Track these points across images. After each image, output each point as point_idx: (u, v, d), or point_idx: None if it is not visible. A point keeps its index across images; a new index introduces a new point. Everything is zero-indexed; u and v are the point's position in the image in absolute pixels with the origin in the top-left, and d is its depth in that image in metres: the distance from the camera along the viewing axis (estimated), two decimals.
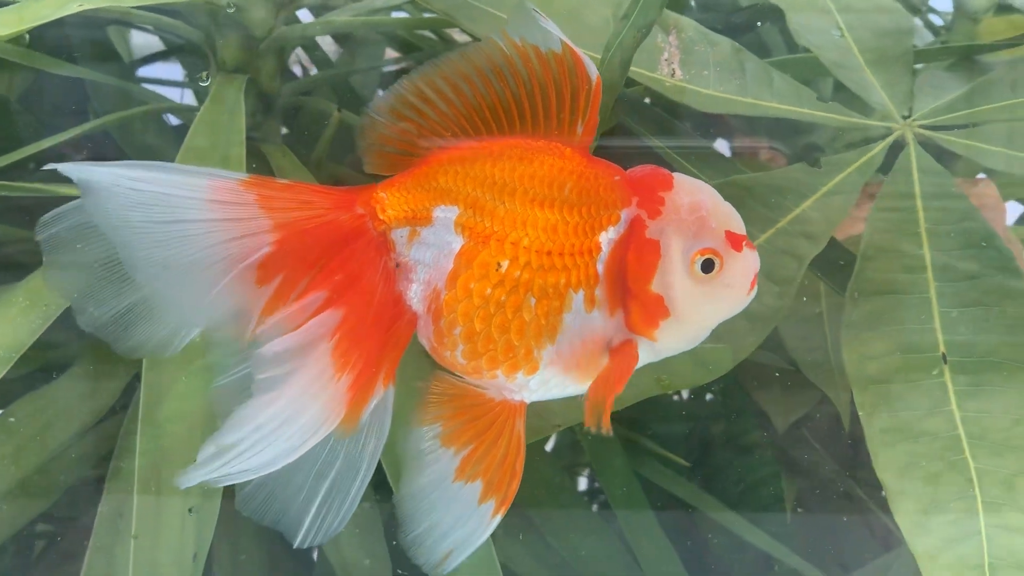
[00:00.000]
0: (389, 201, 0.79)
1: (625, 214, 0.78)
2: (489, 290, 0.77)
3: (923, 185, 1.02)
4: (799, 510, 1.34)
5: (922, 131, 1.06)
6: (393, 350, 0.79)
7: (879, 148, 1.04)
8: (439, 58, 0.77)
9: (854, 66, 1.12)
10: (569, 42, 0.74)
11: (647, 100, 1.20)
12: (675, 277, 0.77)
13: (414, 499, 0.78)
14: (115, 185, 0.72)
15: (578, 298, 0.78)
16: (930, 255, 0.99)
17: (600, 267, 0.78)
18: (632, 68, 1.06)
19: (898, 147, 1.07)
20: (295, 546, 0.78)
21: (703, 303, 0.78)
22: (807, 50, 1.14)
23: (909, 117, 1.08)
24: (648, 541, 1.19)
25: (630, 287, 0.78)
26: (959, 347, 0.95)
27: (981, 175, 1.30)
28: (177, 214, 0.73)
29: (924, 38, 1.54)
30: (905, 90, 1.09)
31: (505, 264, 0.77)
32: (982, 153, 1.02)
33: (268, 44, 1.23)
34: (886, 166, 1.06)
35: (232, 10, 1.17)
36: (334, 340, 0.75)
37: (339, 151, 1.28)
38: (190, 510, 0.90)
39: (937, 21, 1.54)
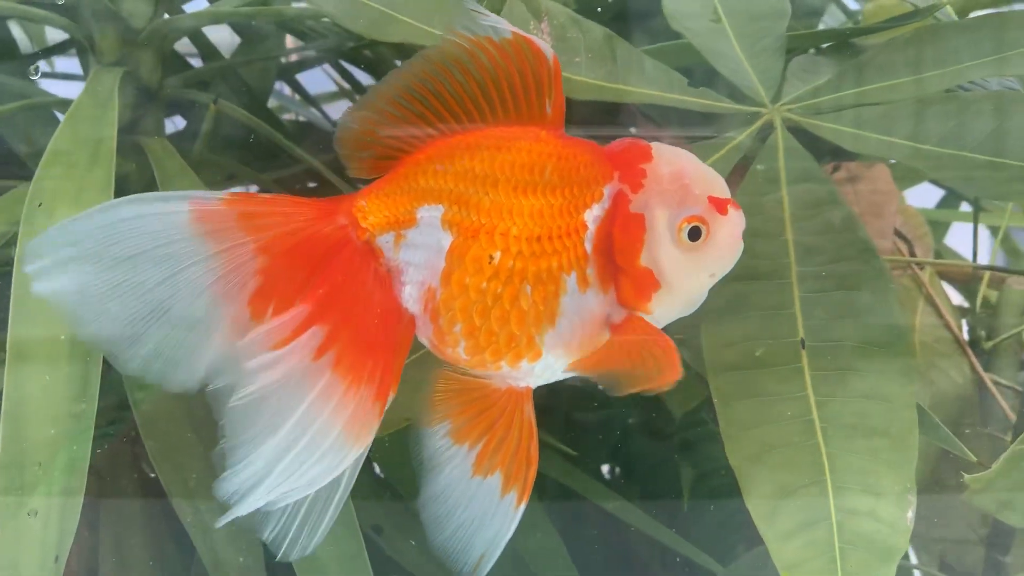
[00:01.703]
0: (370, 208, 0.79)
1: (608, 190, 0.78)
2: (485, 284, 0.77)
3: (789, 170, 1.02)
4: (695, 498, 1.34)
5: (790, 115, 1.05)
6: (397, 355, 0.79)
7: (745, 134, 1.04)
8: (402, 66, 0.77)
9: (728, 52, 1.11)
10: (517, 29, 0.75)
11: None
12: (663, 248, 0.77)
13: (436, 501, 0.78)
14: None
15: (571, 280, 0.78)
16: (793, 240, 0.99)
17: (588, 246, 0.78)
18: None
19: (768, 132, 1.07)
20: (278, 559, 0.78)
21: (693, 270, 0.78)
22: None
23: (778, 102, 1.07)
24: (534, 533, 1.18)
25: (618, 263, 0.78)
26: (816, 332, 0.95)
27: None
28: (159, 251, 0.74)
29: (838, 19, 1.54)
30: (776, 75, 1.08)
31: (497, 255, 0.77)
32: (847, 137, 1.01)
33: (148, 35, 1.21)
34: None
35: (110, 1, 1.16)
36: (330, 355, 0.74)
37: (221, 144, 1.28)
38: (28, 514, 0.88)
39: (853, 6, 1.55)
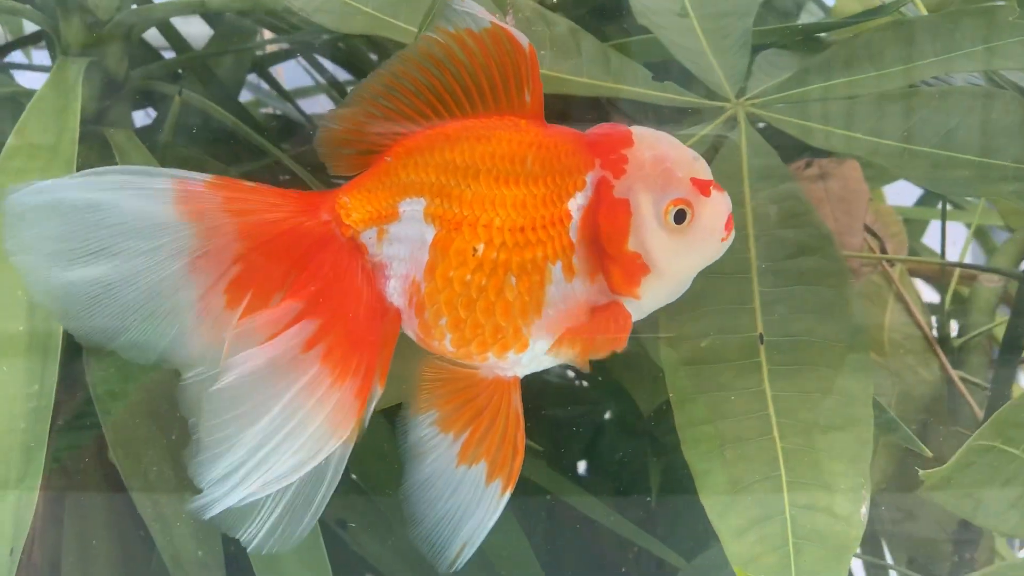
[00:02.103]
0: (352, 205, 0.79)
1: (590, 177, 0.78)
2: (469, 276, 0.77)
3: (751, 165, 1.02)
4: (664, 494, 1.33)
5: (754, 110, 1.05)
6: (383, 349, 0.78)
7: (709, 128, 1.04)
8: (381, 65, 0.78)
9: (694, 47, 1.11)
10: (495, 19, 0.75)
11: None
12: (650, 233, 0.77)
13: (420, 490, 0.78)
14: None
15: (556, 269, 0.77)
16: (754, 235, 0.98)
17: (574, 235, 0.78)
18: None
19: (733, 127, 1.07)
20: (250, 551, 0.77)
21: (681, 253, 0.78)
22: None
23: (743, 96, 1.07)
24: (497, 531, 1.18)
25: (606, 249, 0.78)
26: (775, 326, 0.95)
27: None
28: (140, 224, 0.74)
29: (816, 15, 1.53)
30: (741, 69, 1.08)
31: (481, 248, 0.77)
32: (811, 132, 1.01)
33: (114, 26, 1.21)
34: None
35: None
36: (320, 348, 0.75)
37: (190, 136, 1.27)
38: None
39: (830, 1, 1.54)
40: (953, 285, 1.43)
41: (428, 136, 0.79)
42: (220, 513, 0.75)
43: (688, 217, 0.77)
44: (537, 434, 1.22)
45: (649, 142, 0.79)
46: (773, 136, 1.05)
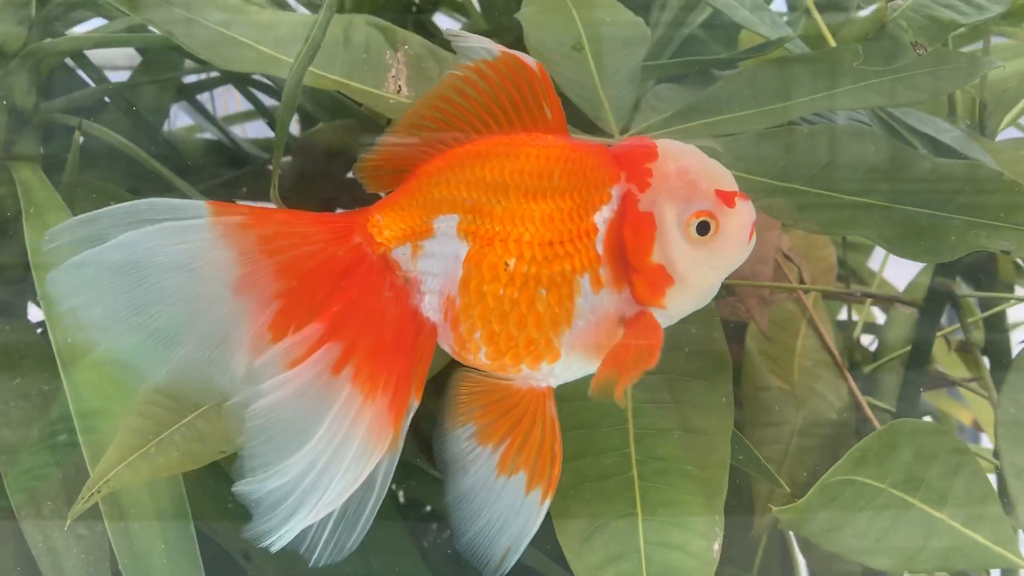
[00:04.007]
0: (386, 223, 0.81)
1: (616, 191, 0.80)
2: (502, 290, 0.79)
3: None
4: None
5: None
6: (419, 364, 0.81)
7: None
8: (408, 109, 0.82)
9: (587, 81, 1.12)
10: (502, 47, 0.79)
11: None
12: (674, 245, 0.79)
13: (462, 502, 0.80)
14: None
15: (584, 281, 0.80)
16: None
17: (600, 247, 0.80)
18: (360, 85, 1.07)
19: None
20: (311, 565, 0.79)
21: (705, 264, 0.80)
22: None
23: (626, 133, 1.08)
24: (395, 555, 1.19)
25: (631, 262, 0.80)
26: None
27: None
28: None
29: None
30: (628, 104, 1.09)
31: (513, 262, 0.79)
32: None
33: (20, 60, 1.22)
34: None
35: None
36: (349, 369, 0.77)
37: (105, 167, 1.29)
38: None
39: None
40: (864, 313, 1.43)
41: (459, 154, 0.82)
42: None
43: (712, 229, 0.79)
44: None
45: (674, 155, 0.81)
46: None
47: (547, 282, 0.80)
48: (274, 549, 0.76)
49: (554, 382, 0.84)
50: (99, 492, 0.85)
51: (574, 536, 0.89)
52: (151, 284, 0.76)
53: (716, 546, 0.88)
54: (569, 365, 0.83)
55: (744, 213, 0.80)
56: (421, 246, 0.81)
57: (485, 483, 0.80)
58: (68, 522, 0.87)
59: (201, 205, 0.77)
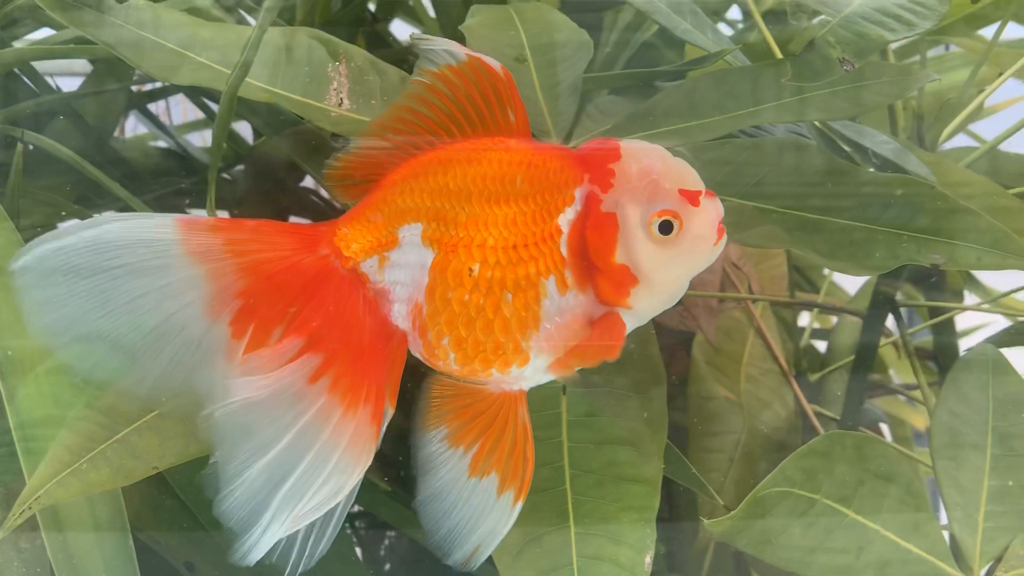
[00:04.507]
0: (352, 235, 0.82)
1: (579, 193, 0.80)
2: (467, 296, 0.80)
3: None
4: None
5: None
6: (392, 372, 0.82)
7: None
8: (376, 118, 0.84)
9: (528, 93, 1.12)
10: (468, 50, 0.80)
11: None
12: (637, 244, 0.79)
13: (433, 502, 0.81)
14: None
15: (550, 283, 0.80)
16: None
17: (564, 249, 0.80)
18: (301, 98, 1.07)
19: None
20: (287, 574, 0.80)
21: (671, 263, 0.80)
22: None
23: (568, 143, 1.08)
24: (341, 559, 1.19)
25: (594, 262, 0.80)
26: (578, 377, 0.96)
27: None
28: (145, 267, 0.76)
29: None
30: (570, 116, 1.10)
31: (477, 267, 0.80)
32: None
33: None
34: None
35: None
36: (326, 379, 0.77)
37: (54, 179, 1.28)
38: None
39: None
40: (812, 321, 1.44)
41: (422, 162, 0.82)
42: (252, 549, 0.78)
43: (676, 228, 0.79)
44: (384, 473, 1.24)
45: (637, 155, 0.81)
46: None
47: (512, 286, 0.80)
48: (251, 560, 0.77)
49: (526, 385, 0.84)
50: (30, 509, 0.85)
51: (507, 550, 0.90)
52: (118, 294, 0.76)
53: (648, 559, 0.89)
54: (539, 367, 0.83)
55: (709, 211, 0.80)
56: (388, 257, 0.82)
57: (456, 484, 0.81)
58: (0, 535, 0.86)
59: (169, 221, 0.77)
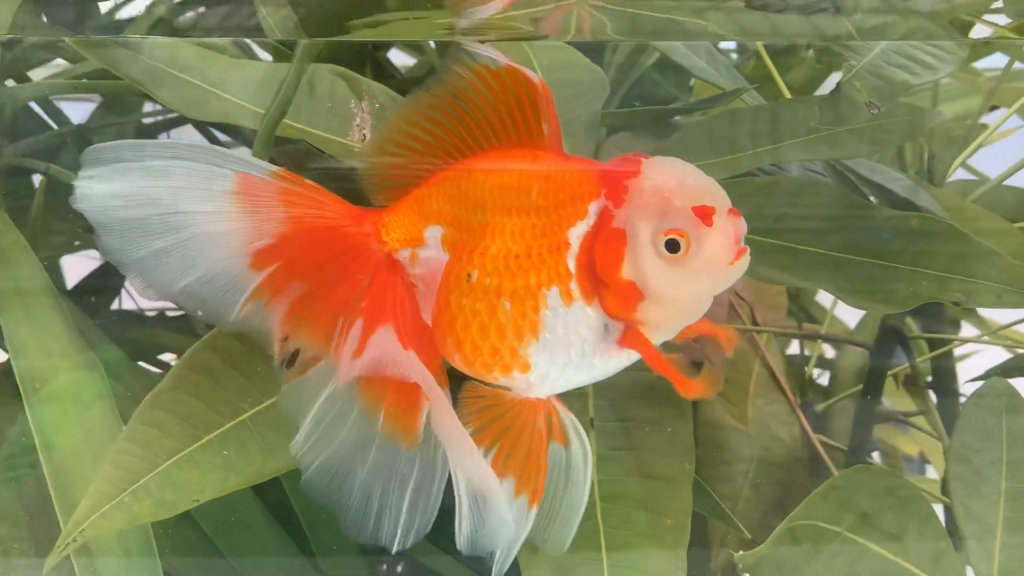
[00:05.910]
0: (392, 224, 0.84)
1: (593, 207, 0.81)
2: (464, 300, 0.82)
3: None
4: None
5: None
6: (431, 360, 0.84)
7: None
8: (407, 99, 0.83)
9: None
10: (507, 58, 0.79)
11: None
12: (645, 261, 0.79)
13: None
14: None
15: (553, 294, 0.81)
16: None
17: (571, 262, 0.81)
18: (323, 133, 1.09)
19: None
20: (393, 552, 0.83)
21: (681, 282, 0.80)
22: None
23: None
24: None
25: (601, 276, 0.81)
26: (605, 411, 0.97)
27: None
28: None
29: None
30: (588, 153, 1.11)
31: (475, 274, 0.82)
32: None
33: None
34: None
35: None
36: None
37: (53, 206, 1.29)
38: None
39: None
40: (816, 352, 1.47)
41: (456, 169, 0.84)
42: (360, 525, 0.83)
43: (683, 247, 0.79)
44: None
45: (653, 173, 0.81)
46: None
47: (510, 294, 0.82)
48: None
49: (539, 393, 0.85)
50: (75, 542, 0.86)
51: None
52: (169, 216, 0.79)
53: None
54: (544, 376, 0.84)
55: (723, 231, 0.79)
56: (417, 254, 0.85)
57: None
58: (45, 570, 0.87)
59: (237, 156, 0.80)
